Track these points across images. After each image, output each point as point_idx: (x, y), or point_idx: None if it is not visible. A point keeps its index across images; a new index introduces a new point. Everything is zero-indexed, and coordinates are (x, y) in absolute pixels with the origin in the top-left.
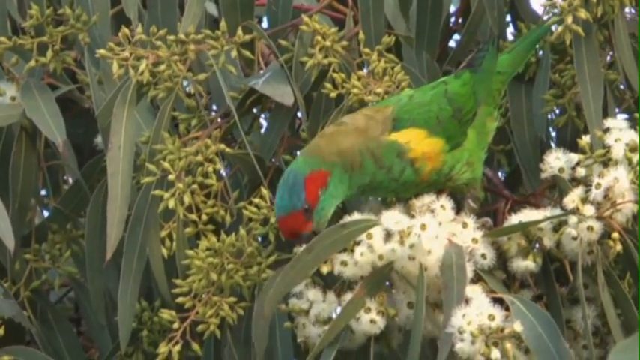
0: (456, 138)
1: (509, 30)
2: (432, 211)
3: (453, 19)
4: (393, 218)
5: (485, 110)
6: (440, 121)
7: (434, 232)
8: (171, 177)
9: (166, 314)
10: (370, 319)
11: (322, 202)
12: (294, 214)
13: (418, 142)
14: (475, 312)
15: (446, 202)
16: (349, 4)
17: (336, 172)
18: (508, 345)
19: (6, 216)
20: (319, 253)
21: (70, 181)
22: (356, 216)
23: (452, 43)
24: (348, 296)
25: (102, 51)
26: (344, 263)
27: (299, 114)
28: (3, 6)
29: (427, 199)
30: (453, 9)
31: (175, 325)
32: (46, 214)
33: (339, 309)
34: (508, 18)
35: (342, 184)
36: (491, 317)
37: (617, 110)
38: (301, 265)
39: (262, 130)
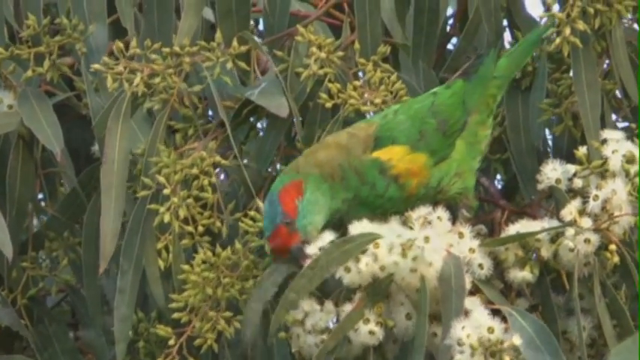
0: (442, 151)
1: (507, 38)
2: (429, 223)
3: (450, 22)
4: (394, 231)
5: (477, 119)
6: (423, 135)
7: (436, 244)
8: (166, 191)
9: (162, 330)
10: (369, 331)
11: (302, 211)
12: (277, 231)
13: (400, 158)
14: (474, 324)
15: (442, 214)
16: (346, 10)
17: (311, 179)
18: (507, 358)
19: (4, 224)
20: (323, 267)
21: (67, 187)
22: (360, 228)
23: (450, 47)
24: (346, 306)
25: (96, 65)
26: (347, 269)
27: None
28: (0, 15)
29: (423, 210)
30: (450, 11)
31: (171, 342)
32: (43, 218)
33: (335, 319)
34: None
35: (322, 192)
36: (491, 330)
37: (614, 118)
38: (307, 279)
39: (258, 140)
